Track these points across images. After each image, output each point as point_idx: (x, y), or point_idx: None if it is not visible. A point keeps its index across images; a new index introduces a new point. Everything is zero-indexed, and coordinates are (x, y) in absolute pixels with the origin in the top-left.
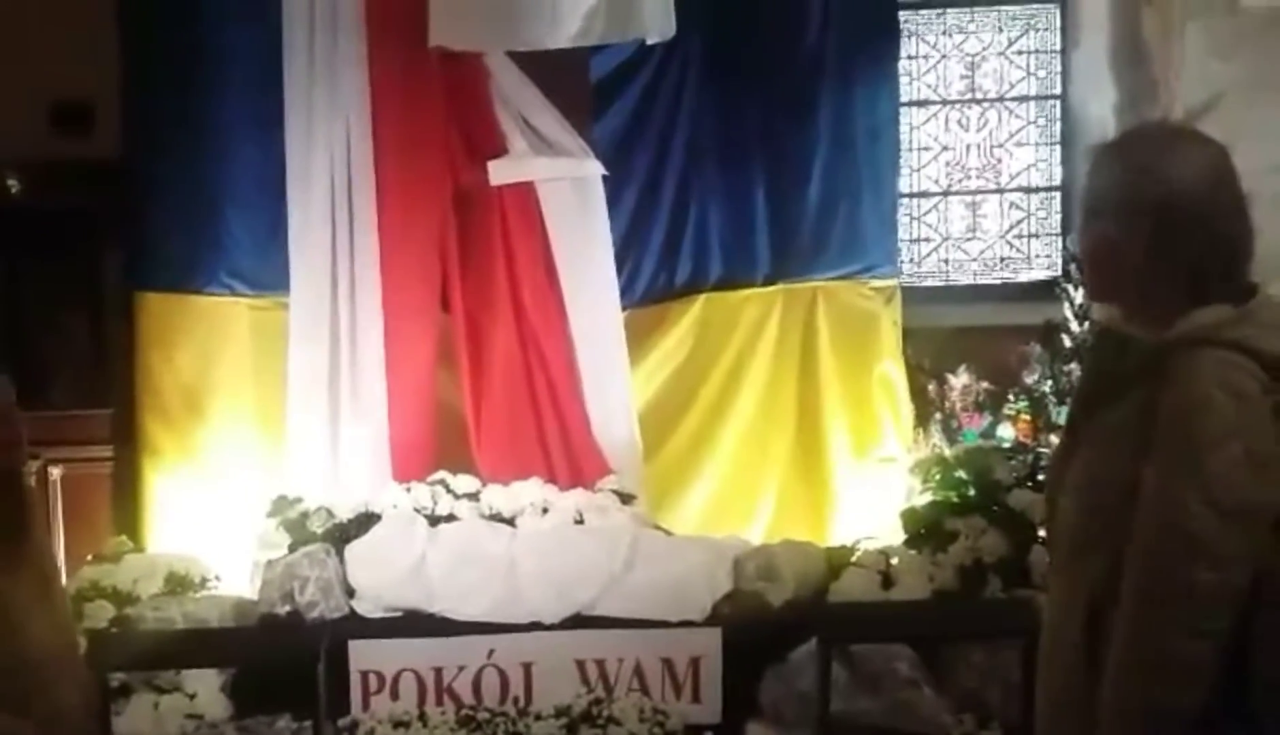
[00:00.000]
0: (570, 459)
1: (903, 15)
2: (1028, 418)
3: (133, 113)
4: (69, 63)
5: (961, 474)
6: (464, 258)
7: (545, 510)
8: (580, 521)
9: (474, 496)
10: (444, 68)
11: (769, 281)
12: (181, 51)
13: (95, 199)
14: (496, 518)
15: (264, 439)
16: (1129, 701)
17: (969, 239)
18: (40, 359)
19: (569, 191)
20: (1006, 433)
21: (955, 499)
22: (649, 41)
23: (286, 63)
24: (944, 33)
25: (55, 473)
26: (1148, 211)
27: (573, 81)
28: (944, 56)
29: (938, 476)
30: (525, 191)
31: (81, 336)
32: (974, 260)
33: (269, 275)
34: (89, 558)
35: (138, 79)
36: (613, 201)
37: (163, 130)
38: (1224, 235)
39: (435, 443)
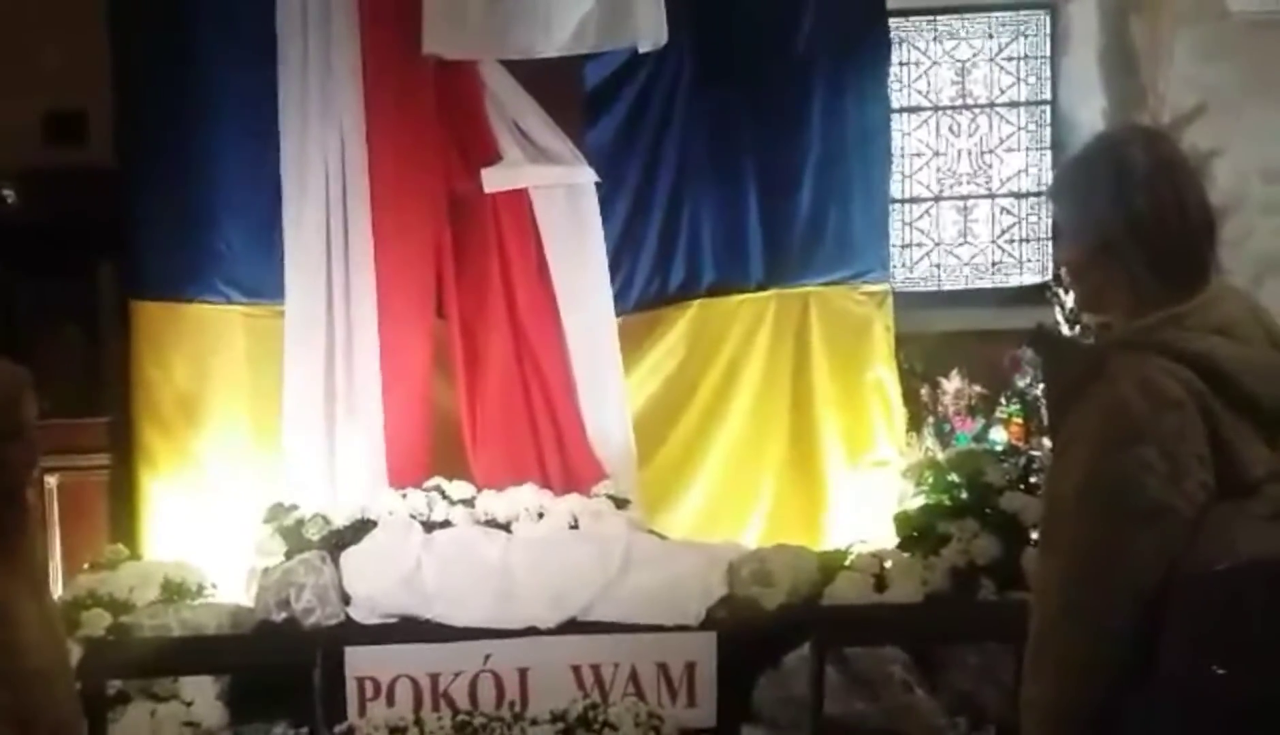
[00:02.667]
0: (565, 464)
1: (893, 22)
2: (1019, 421)
3: (126, 121)
4: (61, 72)
5: (954, 477)
6: (459, 265)
7: (540, 515)
8: (575, 527)
9: (469, 503)
10: (438, 76)
11: (762, 287)
12: (174, 59)
13: (90, 208)
14: (492, 523)
15: (260, 446)
16: (1036, 697)
17: (960, 244)
18: (36, 368)
19: (562, 198)
20: (999, 436)
21: (948, 502)
22: (641, 49)
23: (280, 71)
24: (935, 39)
25: (52, 481)
26: (1089, 225)
27: (566, 89)
28: (935, 63)
29: (930, 480)
30: (519, 198)
31: (77, 345)
32: (965, 265)
33: (264, 283)
34: (85, 566)
35: (130, 87)
36: (606, 208)
37: (156, 138)
38: (1166, 242)
39: (431, 449)
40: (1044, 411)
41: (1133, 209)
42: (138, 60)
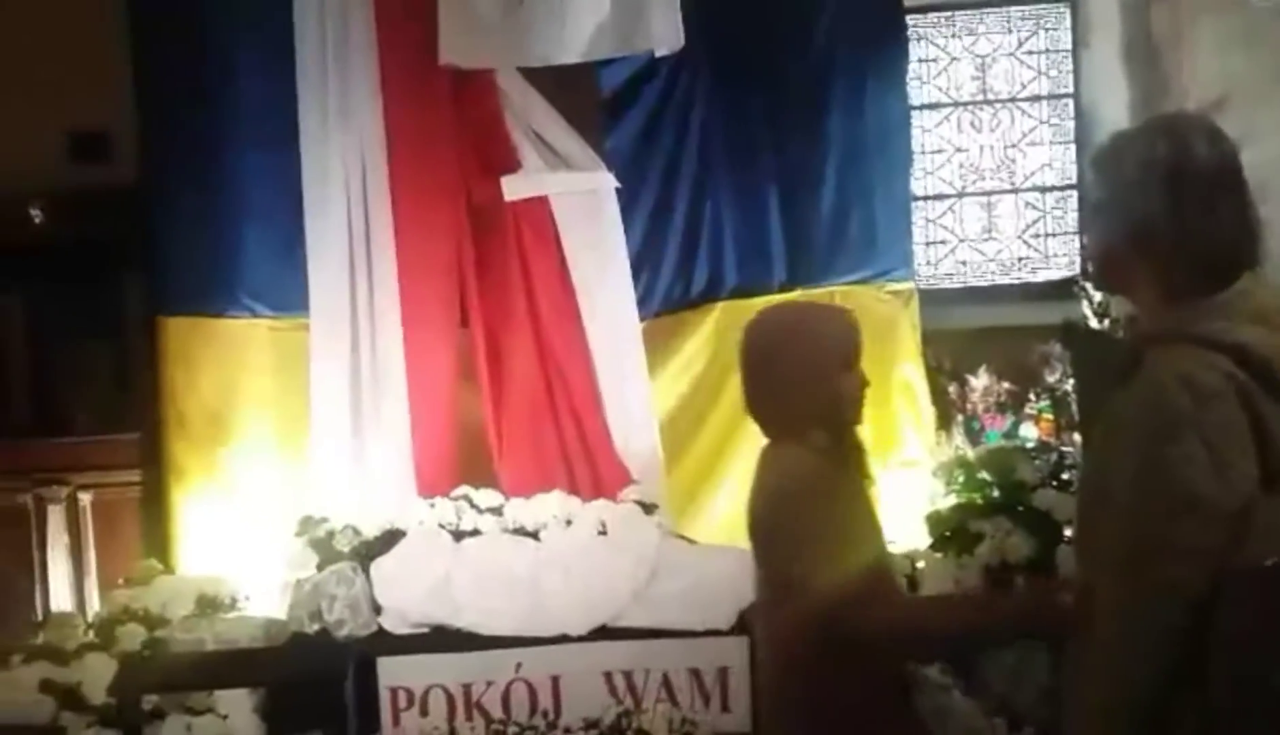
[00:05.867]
0: (592, 470)
1: (911, 19)
2: (1050, 417)
3: (149, 139)
4: (85, 92)
5: (985, 475)
6: (481, 273)
7: (568, 522)
8: (604, 533)
9: (497, 511)
10: (455, 85)
11: (785, 288)
12: (194, 76)
13: (115, 227)
14: (520, 531)
15: (289, 458)
16: (1088, 696)
17: (985, 240)
18: (66, 387)
19: (583, 204)
20: (1029, 433)
21: (979, 500)
22: (658, 53)
23: (300, 84)
24: (953, 35)
25: (85, 499)
26: (1132, 208)
27: (583, 95)
28: (954, 59)
29: (961, 478)
30: (539, 205)
31: (105, 363)
32: (991, 261)
33: (288, 296)
34: (120, 581)
35: (152, 105)
36: (627, 212)
37: (179, 155)
38: (1202, 229)
39: (457, 457)
40: (1075, 407)
41: (1183, 201)
42: (159, 78)
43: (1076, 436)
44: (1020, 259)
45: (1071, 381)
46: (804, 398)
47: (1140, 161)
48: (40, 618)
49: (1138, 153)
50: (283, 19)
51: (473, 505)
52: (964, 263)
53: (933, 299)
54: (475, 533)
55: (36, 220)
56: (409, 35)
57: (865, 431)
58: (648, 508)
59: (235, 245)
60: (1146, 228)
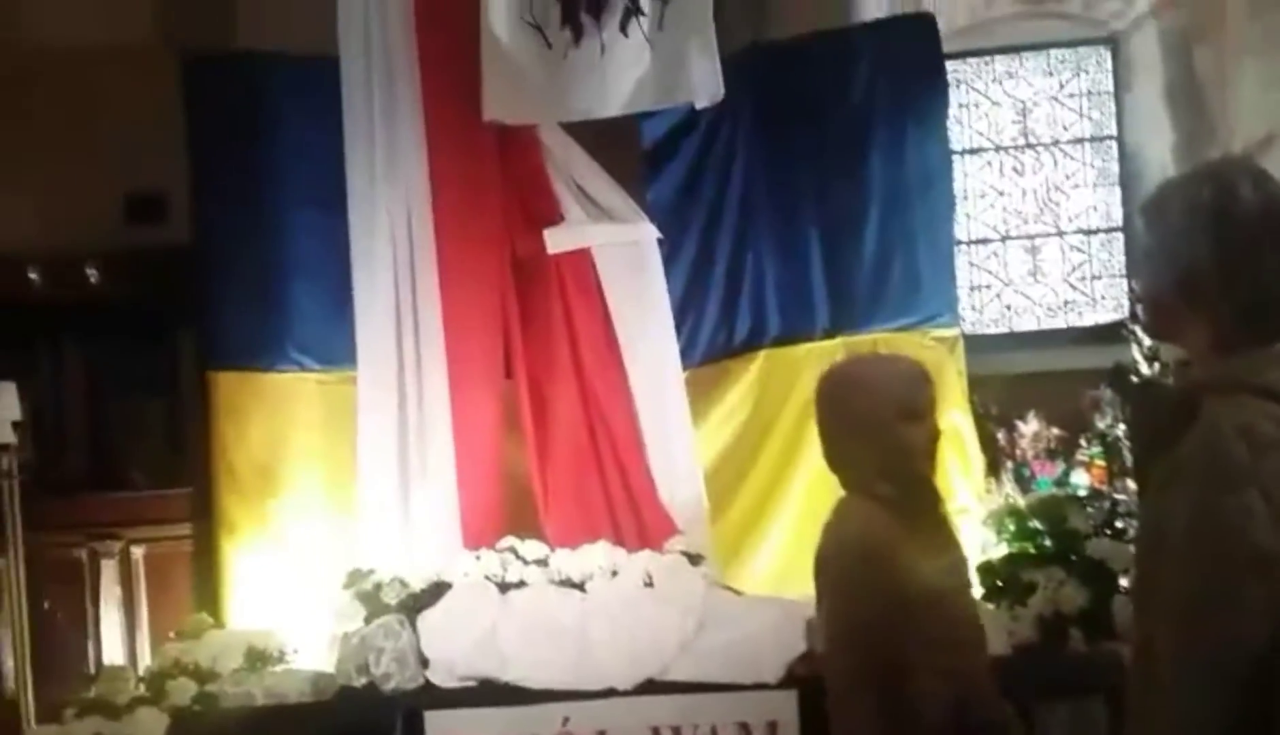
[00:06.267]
0: (637, 520)
1: (950, 64)
2: (1101, 463)
3: (201, 200)
4: (141, 156)
5: (1037, 524)
6: (525, 324)
7: (614, 573)
8: (650, 584)
9: (543, 562)
10: (499, 140)
11: (828, 335)
12: (246, 138)
13: (170, 285)
14: (566, 583)
15: (337, 510)
16: None
17: (1031, 283)
18: (121, 443)
19: (625, 255)
20: (1081, 479)
21: (1032, 550)
22: (698, 106)
23: (347, 143)
24: (994, 80)
25: (137, 552)
26: (1178, 254)
27: (624, 147)
28: (995, 103)
29: (1012, 527)
30: (582, 256)
31: (159, 419)
32: (1037, 305)
33: (336, 350)
34: (171, 635)
35: (205, 166)
36: (669, 261)
37: (230, 214)
38: (1249, 274)
39: (503, 508)
40: (1127, 453)
41: (1228, 247)
42: (212, 140)
43: (1129, 483)
44: (1066, 302)
45: (1123, 427)
46: (871, 450)
47: (1185, 208)
48: (93, 671)
49: (1182, 199)
50: (331, 81)
51: (518, 557)
52: (1009, 307)
53: (978, 344)
54: (521, 584)
55: (93, 280)
56: (453, 93)
57: (943, 482)
58: (694, 558)
59: (284, 301)
60: (1193, 274)
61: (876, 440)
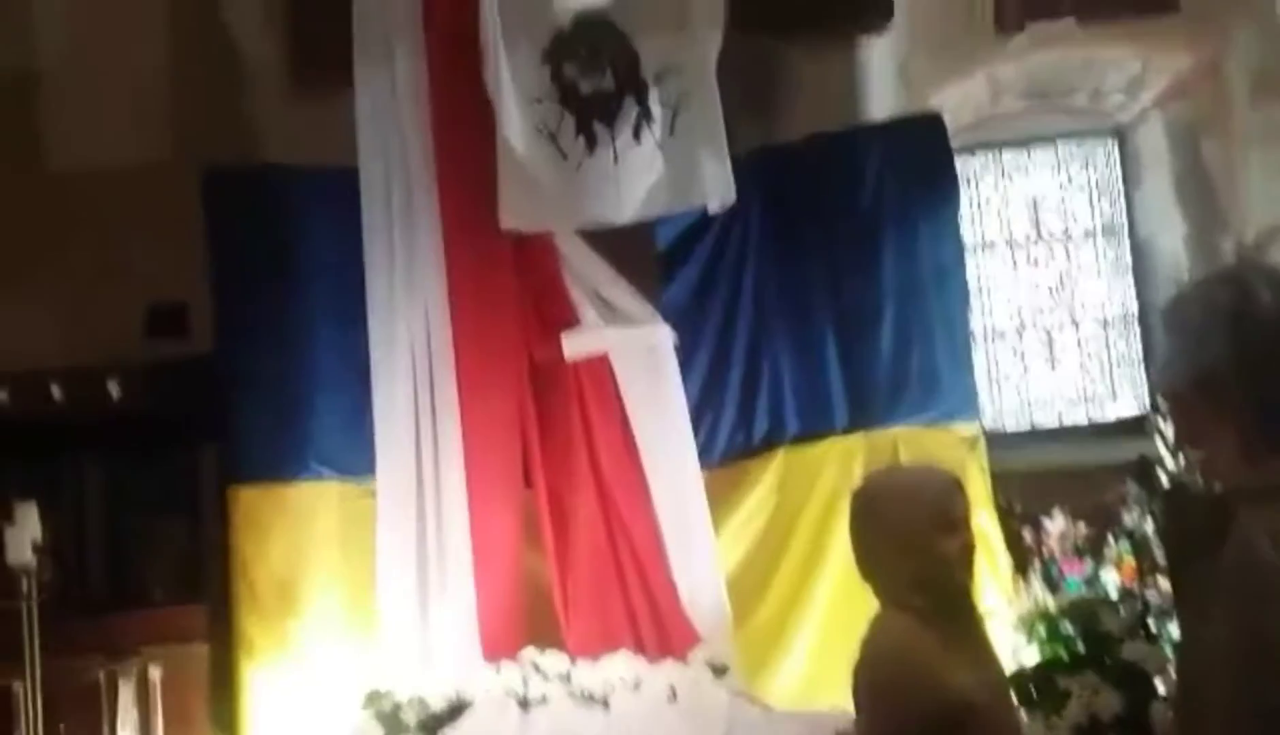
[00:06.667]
0: (659, 629)
1: (960, 160)
2: (1131, 561)
3: (222, 313)
4: (163, 269)
5: (1068, 628)
6: (543, 432)
7: (637, 686)
8: (673, 698)
9: (565, 677)
10: (515, 248)
11: (847, 432)
12: (267, 253)
13: (190, 398)
14: (588, 698)
15: (356, 625)
16: None
17: (1049, 376)
18: (141, 559)
19: (642, 358)
20: (1110, 578)
21: (1064, 655)
22: (710, 210)
23: (367, 257)
24: (1003, 174)
25: (155, 672)
26: (1199, 359)
27: (639, 251)
28: (1006, 199)
29: (1043, 631)
30: (600, 362)
31: (179, 534)
32: (1057, 397)
33: (356, 461)
34: None
35: (227, 281)
36: (685, 363)
37: (251, 328)
38: (1270, 378)
39: (524, 617)
40: (1157, 551)
41: (1248, 350)
42: (232, 252)
43: (1161, 581)
44: (1086, 394)
45: (1151, 523)
46: (907, 561)
47: (1204, 311)
48: None
49: (1201, 303)
50: (350, 192)
51: (539, 670)
52: (1029, 401)
53: (999, 439)
54: (543, 700)
55: (114, 394)
56: (470, 203)
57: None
58: (718, 670)
59: (305, 412)
60: (1214, 377)
61: (912, 552)
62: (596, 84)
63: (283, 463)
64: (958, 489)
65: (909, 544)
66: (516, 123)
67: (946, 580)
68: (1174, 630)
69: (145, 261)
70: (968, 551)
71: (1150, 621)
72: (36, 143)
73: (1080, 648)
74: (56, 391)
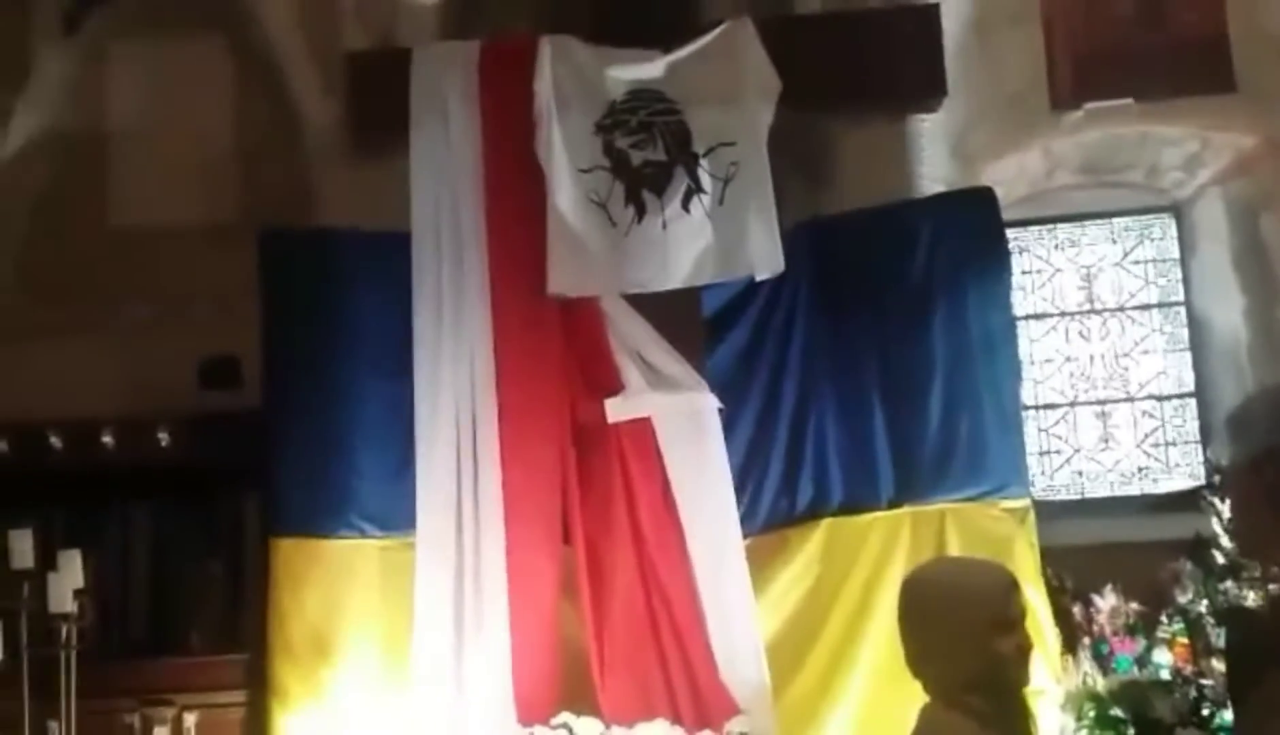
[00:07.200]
0: (696, 698)
1: (1012, 232)
2: (1184, 641)
3: (272, 366)
4: (220, 324)
5: (1118, 711)
6: (584, 491)
7: None
8: None
9: None
10: (562, 312)
11: (893, 504)
12: (318, 308)
13: (238, 450)
14: None
15: (392, 680)
16: None
17: (1102, 449)
18: (183, 606)
19: (685, 423)
20: (1163, 658)
21: None
22: (758, 278)
23: (415, 318)
24: (1056, 246)
25: (189, 720)
26: (1264, 471)
27: (685, 317)
28: (1058, 270)
29: (1092, 713)
30: (642, 424)
31: (220, 584)
32: (1110, 471)
33: (397, 516)
34: None
35: (277, 335)
36: (730, 429)
37: (299, 382)
38: None
39: (559, 680)
40: (1211, 632)
41: None
42: (284, 309)
43: (1215, 664)
44: (1140, 469)
45: (1205, 603)
46: (962, 661)
47: (1270, 424)
48: None
49: (1266, 415)
50: (401, 255)
51: None
52: (1080, 473)
53: (1050, 512)
54: None
55: (164, 443)
56: (519, 267)
57: (1032, 696)
58: None
59: (348, 468)
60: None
61: (968, 651)
62: (648, 155)
63: (324, 517)
64: (1014, 587)
65: (965, 645)
66: (567, 190)
67: (1001, 681)
68: (1227, 717)
69: (204, 317)
70: (1024, 652)
71: (1204, 709)
72: (103, 199)
73: (1130, 733)
74: (108, 439)
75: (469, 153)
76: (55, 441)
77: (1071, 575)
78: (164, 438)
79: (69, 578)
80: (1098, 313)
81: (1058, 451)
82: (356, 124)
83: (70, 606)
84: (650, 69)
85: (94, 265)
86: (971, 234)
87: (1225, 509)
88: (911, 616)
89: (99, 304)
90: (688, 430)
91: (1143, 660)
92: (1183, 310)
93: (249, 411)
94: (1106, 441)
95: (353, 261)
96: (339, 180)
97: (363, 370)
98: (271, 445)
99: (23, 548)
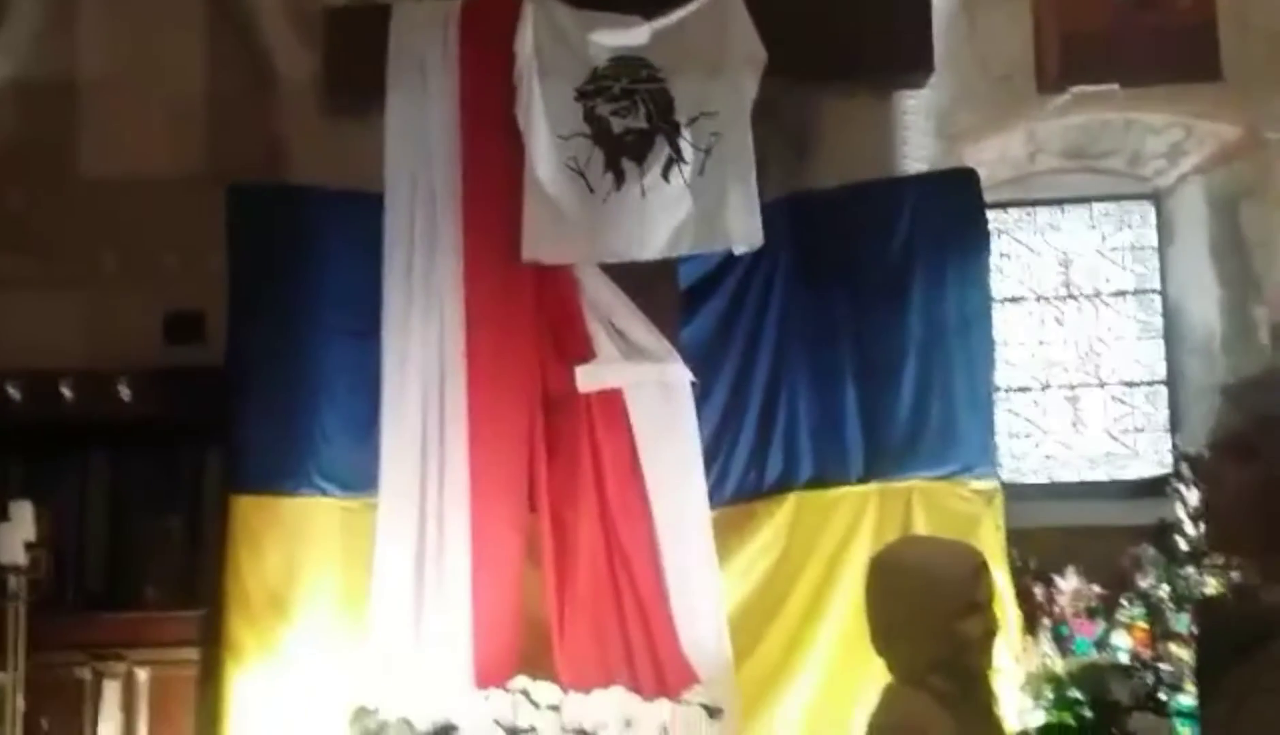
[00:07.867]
0: (655, 666)
1: (992, 214)
2: (1144, 626)
3: (235, 321)
4: (185, 278)
5: (1076, 693)
6: (551, 458)
7: (629, 724)
8: None
9: (555, 708)
10: (536, 278)
11: (862, 481)
12: (285, 264)
13: (200, 405)
14: (579, 732)
15: (349, 639)
16: None
17: (1072, 434)
18: (139, 558)
19: (656, 395)
20: (1122, 641)
21: (1070, 720)
22: (736, 251)
23: (386, 278)
24: (1035, 231)
25: (141, 674)
26: (1243, 465)
27: (661, 288)
28: (1036, 254)
29: (1050, 694)
30: (613, 394)
31: (179, 539)
32: (1079, 456)
33: (360, 476)
34: None
35: (242, 291)
36: (702, 401)
37: (264, 339)
38: None
39: (519, 644)
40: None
41: None
42: (250, 265)
43: (1173, 648)
44: (1108, 454)
45: (1166, 589)
46: (927, 642)
47: (1260, 411)
48: None
49: (1248, 406)
50: (370, 215)
51: (529, 699)
52: (1049, 457)
53: (1017, 494)
54: (531, 731)
55: (124, 396)
56: (494, 231)
57: (996, 676)
58: (713, 712)
59: (312, 426)
60: (1263, 486)
61: (933, 633)
62: (629, 122)
63: (286, 475)
64: (983, 570)
65: (930, 625)
66: (546, 156)
67: (965, 663)
68: (1183, 701)
69: (170, 271)
70: (990, 635)
71: (1161, 693)
72: (73, 150)
73: (1087, 714)
74: (67, 391)
75: (446, 114)
76: (13, 392)
77: (1036, 557)
78: (125, 391)
79: (20, 529)
80: (1073, 298)
81: (1027, 434)
82: (332, 80)
83: (21, 558)
84: (634, 36)
85: (61, 216)
86: (952, 215)
87: (1192, 496)
88: (879, 595)
89: (65, 255)
90: (658, 401)
91: (1102, 643)
92: (1158, 298)
93: (213, 367)
94: (1076, 426)
95: (323, 220)
96: (312, 137)
97: (329, 330)
98: (234, 402)
99: None
